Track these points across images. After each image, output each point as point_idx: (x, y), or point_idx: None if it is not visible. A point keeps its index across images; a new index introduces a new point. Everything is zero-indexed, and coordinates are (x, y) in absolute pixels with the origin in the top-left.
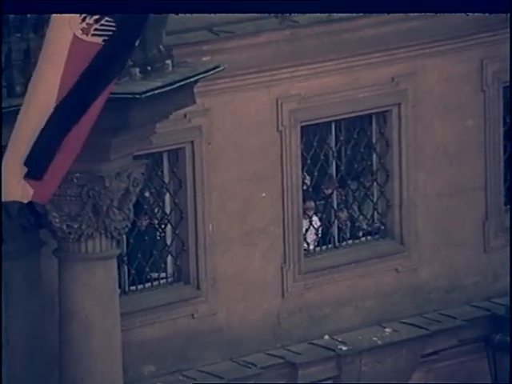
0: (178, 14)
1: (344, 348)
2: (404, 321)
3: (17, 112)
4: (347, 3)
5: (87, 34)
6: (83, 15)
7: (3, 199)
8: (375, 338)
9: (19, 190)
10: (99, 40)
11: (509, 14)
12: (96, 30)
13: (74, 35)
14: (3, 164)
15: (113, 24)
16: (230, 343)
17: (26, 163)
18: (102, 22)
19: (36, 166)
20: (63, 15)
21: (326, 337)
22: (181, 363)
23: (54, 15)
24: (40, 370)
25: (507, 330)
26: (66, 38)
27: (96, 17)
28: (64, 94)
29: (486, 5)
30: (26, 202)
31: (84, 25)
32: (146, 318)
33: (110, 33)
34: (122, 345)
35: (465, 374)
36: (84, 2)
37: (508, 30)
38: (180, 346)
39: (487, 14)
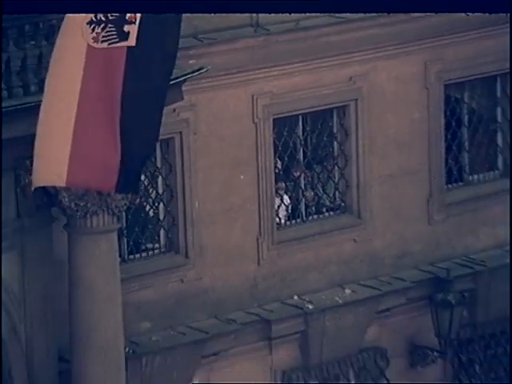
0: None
1: (310, 307)
2: (361, 283)
3: (32, 108)
4: (351, 3)
5: (97, 42)
6: (92, 26)
7: (35, 184)
8: (337, 298)
9: (54, 175)
10: (105, 45)
11: (509, 14)
12: (103, 36)
13: (88, 44)
14: (35, 154)
15: (114, 30)
16: (214, 303)
17: (121, 189)
18: (107, 29)
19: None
20: (75, 27)
21: (296, 297)
22: (172, 320)
23: (66, 27)
24: (53, 327)
25: (447, 290)
26: (82, 47)
27: (102, 25)
28: (86, 94)
29: (486, 5)
30: (62, 185)
31: (94, 34)
32: (142, 283)
33: (113, 38)
34: (122, 305)
35: (413, 327)
36: (84, 2)
37: (508, 28)
38: (171, 306)
39: (432, 18)
